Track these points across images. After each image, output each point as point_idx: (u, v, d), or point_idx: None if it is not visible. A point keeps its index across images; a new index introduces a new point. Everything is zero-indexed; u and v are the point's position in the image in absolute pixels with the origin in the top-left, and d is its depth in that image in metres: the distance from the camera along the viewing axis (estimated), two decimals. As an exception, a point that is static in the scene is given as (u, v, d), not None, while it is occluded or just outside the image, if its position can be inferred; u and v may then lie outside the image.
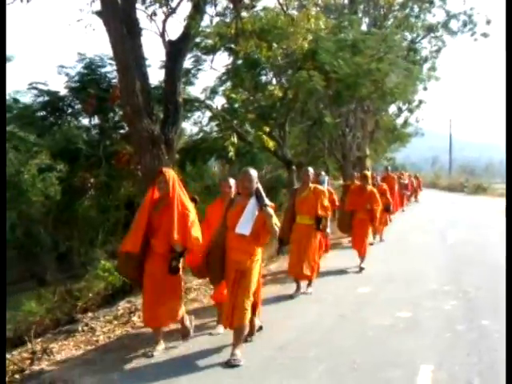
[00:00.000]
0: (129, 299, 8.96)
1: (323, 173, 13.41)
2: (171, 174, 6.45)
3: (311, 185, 9.27)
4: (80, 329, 7.64)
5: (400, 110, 35.65)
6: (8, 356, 6.29)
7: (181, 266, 6.27)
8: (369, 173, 12.73)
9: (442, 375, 5.54)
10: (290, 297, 9.13)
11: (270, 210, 6.00)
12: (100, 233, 16.54)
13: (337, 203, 12.80)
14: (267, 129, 15.08)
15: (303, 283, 9.48)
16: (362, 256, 11.57)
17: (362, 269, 11.33)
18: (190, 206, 6.45)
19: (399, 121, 36.63)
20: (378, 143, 34.46)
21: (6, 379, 5.74)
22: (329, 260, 11.91)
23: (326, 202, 9.24)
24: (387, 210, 15.43)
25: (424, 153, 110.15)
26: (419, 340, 6.70)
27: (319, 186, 9.53)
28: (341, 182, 29.94)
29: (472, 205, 31.11)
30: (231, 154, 12.03)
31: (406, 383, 5.36)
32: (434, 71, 33.72)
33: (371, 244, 13.90)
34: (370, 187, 11.86)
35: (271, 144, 14.57)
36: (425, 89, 33.28)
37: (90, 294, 10.37)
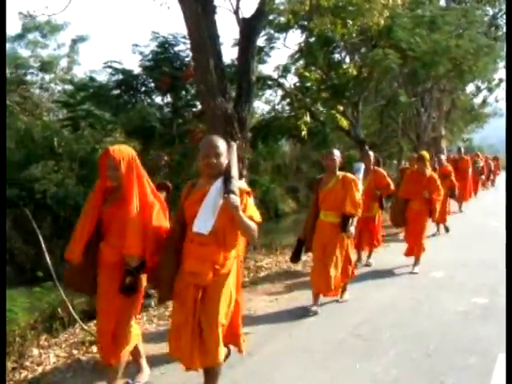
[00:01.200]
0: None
1: (371, 154, 10.58)
2: (125, 153, 4.58)
3: (340, 173, 7.23)
4: (153, 303, 7.82)
5: (478, 89, 34.50)
6: (85, 327, 6.51)
7: (143, 282, 4.68)
8: (427, 153, 10.15)
9: (520, 365, 5.37)
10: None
11: (235, 199, 4.10)
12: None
13: (392, 187, 10.28)
14: (341, 108, 14.90)
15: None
16: (416, 257, 9.71)
17: (414, 273, 9.49)
18: (156, 198, 4.79)
19: (477, 100, 35.51)
20: (454, 124, 33.56)
21: (84, 349, 5.96)
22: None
23: (358, 196, 7.17)
24: (451, 195, 14.31)
25: (503, 134, 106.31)
26: (497, 327, 6.50)
27: (349, 174, 7.30)
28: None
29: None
30: (304, 133, 11.98)
31: (482, 372, 5.22)
32: (516, 48, 32.36)
33: (433, 235, 13.25)
34: (429, 171, 9.76)
35: (345, 123, 14.41)
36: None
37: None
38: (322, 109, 18.99)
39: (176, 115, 19.13)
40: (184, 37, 17.72)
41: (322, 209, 7.30)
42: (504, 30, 30.68)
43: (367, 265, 10.19)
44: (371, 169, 9.87)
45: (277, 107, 21.27)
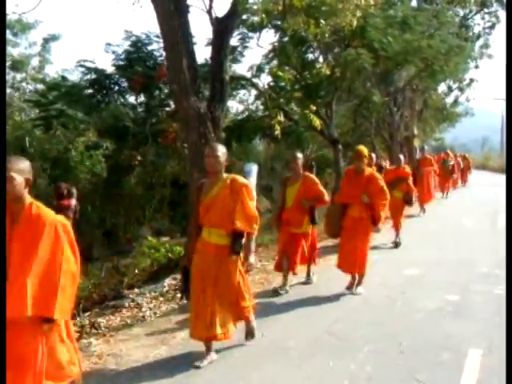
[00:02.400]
0: (174, 276, 9.07)
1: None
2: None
3: (226, 175, 5.57)
4: (126, 304, 7.80)
5: (450, 88, 34.87)
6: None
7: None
8: (365, 148, 8.29)
9: (491, 360, 5.48)
10: None
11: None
12: (146, 210, 16.78)
13: (326, 198, 8.47)
14: (314, 107, 14.96)
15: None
16: (359, 274, 8.14)
17: (356, 294, 8.07)
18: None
19: (449, 100, 35.86)
20: (426, 123, 33.89)
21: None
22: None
23: (253, 207, 5.55)
24: (408, 201, 12.54)
25: (474, 133, 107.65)
26: (468, 324, 6.63)
27: (239, 178, 5.66)
28: (387, 163, 29.59)
29: (524, 187, 30.31)
30: (277, 132, 12.00)
31: (454, 367, 5.31)
32: (486, 48, 32.81)
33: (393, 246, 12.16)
34: (369, 170, 8.18)
35: (318, 123, 14.46)
36: (476, 67, 32.42)
37: (136, 271, 10.57)
38: (295, 108, 19.05)
39: (149, 115, 19.01)
40: (157, 36, 17.60)
41: (204, 225, 5.51)
42: (475, 30, 31.15)
43: (307, 282, 8.77)
44: (300, 174, 8.39)
45: (250, 107, 21.31)
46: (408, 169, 13.08)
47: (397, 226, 12.52)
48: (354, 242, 7.96)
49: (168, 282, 8.83)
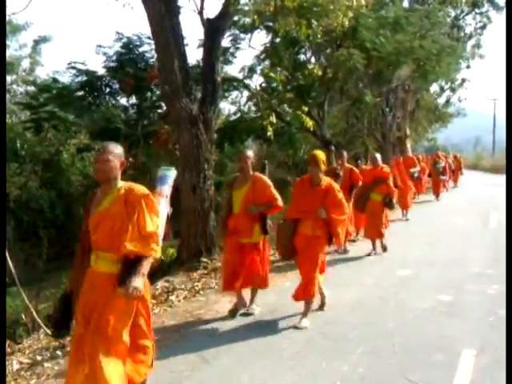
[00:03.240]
0: (166, 278, 9.05)
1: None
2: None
3: (123, 183, 4.28)
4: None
5: (442, 89, 35.04)
6: (50, 332, 6.43)
7: None
8: (321, 153, 7.01)
9: (484, 360, 5.49)
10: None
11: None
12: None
13: (279, 203, 7.07)
14: (306, 108, 14.99)
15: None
16: (306, 299, 6.84)
17: (300, 328, 6.61)
18: None
19: (441, 100, 36.02)
20: (418, 123, 34.03)
21: (48, 355, 5.88)
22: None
23: (156, 223, 4.23)
24: (388, 204, 11.11)
25: (466, 133, 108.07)
26: (461, 324, 6.64)
27: (138, 187, 4.26)
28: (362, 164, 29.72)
29: (516, 187, 30.42)
30: (269, 133, 12.02)
31: (447, 367, 5.31)
32: (478, 49, 32.96)
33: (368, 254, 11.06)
34: (326, 180, 6.86)
35: (310, 123, 14.50)
36: (468, 67, 32.57)
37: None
38: (287, 109, 19.09)
39: (141, 116, 18.98)
40: (149, 37, 17.58)
41: (92, 248, 4.30)
42: (466, 30, 31.28)
43: (248, 313, 7.19)
44: (249, 175, 7.07)
45: (243, 108, 21.32)
46: (387, 168, 11.70)
47: (378, 234, 11.12)
48: (303, 266, 6.84)
49: (161, 284, 8.80)
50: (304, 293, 6.77)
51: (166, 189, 5.52)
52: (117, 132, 17.67)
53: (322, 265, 7.04)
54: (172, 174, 5.86)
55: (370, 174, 11.41)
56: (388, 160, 25.59)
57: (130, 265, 4.01)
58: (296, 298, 6.85)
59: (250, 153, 7.22)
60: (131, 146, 17.52)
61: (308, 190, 6.82)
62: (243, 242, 6.99)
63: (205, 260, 9.77)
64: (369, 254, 10.96)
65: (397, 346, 5.88)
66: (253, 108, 20.31)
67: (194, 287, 8.55)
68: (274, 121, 12.34)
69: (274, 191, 7.02)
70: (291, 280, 8.48)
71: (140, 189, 4.22)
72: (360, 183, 11.31)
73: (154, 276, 9.86)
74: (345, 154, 11.86)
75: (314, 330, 6.47)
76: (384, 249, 11.21)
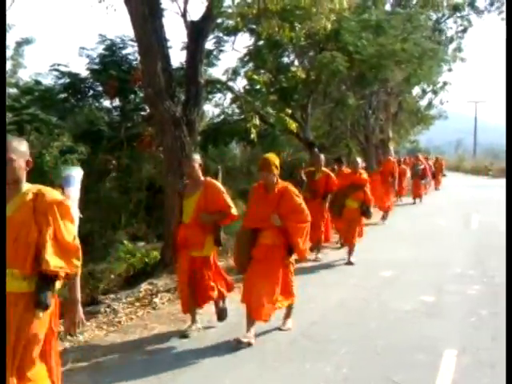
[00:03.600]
0: (150, 281, 9.01)
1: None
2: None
3: (30, 186, 3.75)
4: (102, 310, 7.72)
5: (424, 91, 35.28)
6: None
7: None
8: (274, 156, 6.28)
9: (465, 360, 5.53)
10: None
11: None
12: (121, 215, 16.67)
13: (233, 212, 6.43)
14: (289, 111, 15.02)
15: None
16: (250, 323, 6.08)
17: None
18: None
19: (423, 103, 36.27)
20: (401, 126, 34.21)
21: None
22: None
23: (72, 234, 3.63)
24: (365, 212, 10.63)
25: (448, 136, 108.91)
26: (443, 324, 6.69)
27: (49, 191, 3.68)
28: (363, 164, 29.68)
29: (496, 188, 30.74)
30: (253, 136, 12.00)
31: (429, 368, 5.34)
32: (459, 52, 33.26)
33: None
34: (282, 183, 6.18)
35: (293, 126, 14.52)
36: (450, 70, 32.81)
37: (112, 276, 10.49)
38: (271, 111, 19.10)
39: (125, 119, 18.91)
40: (132, 40, 17.52)
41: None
42: (447, 34, 31.53)
43: (184, 336, 6.35)
44: (200, 181, 6.43)
45: (226, 110, 21.31)
46: (366, 175, 11.09)
47: (350, 243, 10.62)
48: (260, 278, 5.99)
49: (144, 286, 8.77)
50: (256, 312, 5.92)
51: (73, 191, 5.00)
52: (100, 134, 17.61)
53: (286, 285, 6.23)
54: (78, 173, 5.32)
55: (347, 179, 10.92)
56: (371, 161, 25.75)
57: (44, 283, 3.47)
58: (249, 314, 6.00)
59: (197, 156, 6.59)
60: (114, 148, 17.46)
61: (263, 196, 6.17)
62: (193, 256, 6.30)
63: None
64: (349, 262, 10.41)
65: (380, 346, 5.90)
66: (236, 110, 20.32)
67: (176, 289, 8.51)
68: (258, 123, 12.32)
69: (228, 198, 6.42)
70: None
71: (52, 194, 3.61)
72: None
73: (137, 278, 9.86)
74: (322, 157, 11.49)
75: (297, 331, 6.48)
76: (349, 263, 10.41)
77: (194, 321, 6.54)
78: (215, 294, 6.43)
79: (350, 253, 10.54)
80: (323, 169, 11.16)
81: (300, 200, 6.16)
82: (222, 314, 6.72)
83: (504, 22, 32.24)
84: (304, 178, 10.94)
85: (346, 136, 26.72)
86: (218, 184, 6.58)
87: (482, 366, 5.34)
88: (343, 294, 8.24)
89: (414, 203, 22.02)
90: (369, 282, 8.94)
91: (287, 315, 6.62)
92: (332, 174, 11.22)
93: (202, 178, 6.46)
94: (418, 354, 5.66)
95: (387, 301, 7.76)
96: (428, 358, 5.56)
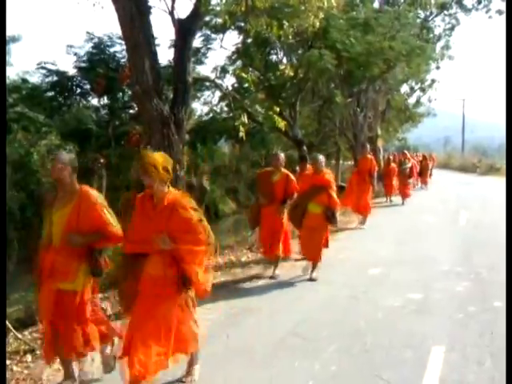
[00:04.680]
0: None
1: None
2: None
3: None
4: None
5: (412, 89, 35.42)
6: (19, 336, 6.33)
7: None
8: (161, 156, 4.70)
9: (453, 356, 5.55)
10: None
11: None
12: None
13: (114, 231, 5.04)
14: (278, 109, 15.00)
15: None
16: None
17: None
18: None
19: (411, 100, 36.40)
20: (389, 123, 34.30)
21: (18, 358, 5.78)
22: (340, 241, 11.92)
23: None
24: (330, 218, 8.96)
25: (436, 133, 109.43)
26: (431, 321, 6.71)
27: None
28: (351, 162, 29.70)
29: (484, 185, 30.93)
30: (241, 134, 11.98)
31: (417, 364, 5.36)
32: (447, 50, 33.37)
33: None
34: (173, 192, 4.70)
35: (282, 124, 14.48)
36: (437, 68, 32.95)
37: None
38: (259, 109, 19.11)
39: (113, 117, 18.89)
40: (120, 37, 17.49)
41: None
42: (435, 32, 31.63)
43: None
44: (75, 189, 4.88)
45: (215, 108, 21.30)
46: (330, 175, 9.41)
47: (314, 256, 9.14)
48: (144, 322, 4.50)
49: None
50: (131, 368, 4.34)
51: None
52: (88, 133, 17.57)
53: (182, 333, 4.71)
54: None
55: (308, 180, 9.27)
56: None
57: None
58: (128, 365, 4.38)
59: (64, 156, 4.86)
60: (103, 146, 17.42)
61: (149, 210, 4.65)
62: (61, 289, 4.79)
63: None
64: (311, 279, 8.96)
65: (368, 344, 5.92)
66: (225, 108, 20.31)
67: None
68: (246, 121, 12.29)
69: (108, 213, 4.86)
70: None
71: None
72: (295, 195, 9.22)
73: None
74: (281, 155, 9.57)
75: (286, 329, 6.47)
76: (314, 266, 9.15)
77: (68, 376, 4.93)
78: (80, 344, 4.84)
79: (313, 267, 9.09)
80: (282, 170, 9.39)
81: (197, 215, 4.61)
82: (108, 365, 5.20)
83: (491, 21, 32.43)
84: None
85: (334, 134, 26.75)
86: (96, 193, 4.93)
87: (470, 363, 5.36)
88: (331, 291, 8.25)
89: (403, 204, 20.91)
90: (357, 280, 8.95)
91: (191, 363, 5.13)
92: (292, 176, 9.49)
93: (77, 186, 4.87)
94: (406, 351, 5.68)
95: (376, 298, 7.78)
96: (416, 355, 5.58)
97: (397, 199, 21.33)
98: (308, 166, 11.11)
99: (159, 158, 4.65)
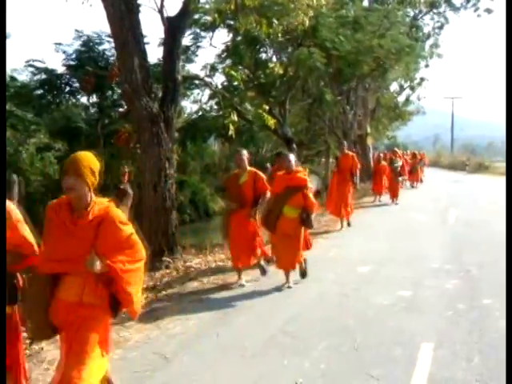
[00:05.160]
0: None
1: None
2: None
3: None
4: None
5: (401, 87, 35.60)
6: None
7: None
8: (86, 154, 3.96)
9: (442, 353, 5.57)
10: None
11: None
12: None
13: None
14: (267, 107, 15.02)
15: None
16: None
17: None
18: None
19: (401, 99, 36.57)
20: (379, 121, 34.44)
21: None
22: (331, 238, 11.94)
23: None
24: (305, 221, 8.15)
25: (426, 131, 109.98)
26: (420, 319, 6.73)
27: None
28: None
29: (473, 183, 31.10)
30: (231, 132, 11.98)
31: (406, 361, 5.37)
32: (436, 48, 33.54)
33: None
34: (100, 204, 3.86)
35: (271, 122, 14.49)
36: (427, 66, 33.14)
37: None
38: (249, 108, 19.12)
39: (102, 115, 18.86)
40: (109, 35, 17.45)
41: None
42: (424, 31, 31.77)
43: None
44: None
45: (204, 106, 21.30)
46: (304, 173, 8.56)
47: (287, 265, 8.38)
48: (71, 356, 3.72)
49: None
50: None
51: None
52: (77, 131, 17.54)
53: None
54: None
55: (282, 181, 8.36)
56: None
57: None
58: None
59: None
60: (92, 144, 17.37)
61: (69, 222, 3.79)
62: None
63: (167, 259, 9.72)
64: (280, 288, 8.27)
65: (357, 341, 5.92)
66: (215, 106, 20.30)
67: (156, 287, 8.49)
68: (236, 119, 12.30)
69: (27, 230, 4.01)
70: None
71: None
72: (268, 194, 8.39)
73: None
74: (244, 153, 8.59)
75: (276, 327, 6.48)
76: (303, 274, 8.67)
77: None
78: None
79: (287, 277, 8.38)
80: (249, 168, 8.54)
81: (128, 229, 3.91)
82: None
83: (480, 19, 32.57)
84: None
85: (324, 132, 26.82)
86: (14, 209, 3.96)
87: (459, 360, 5.38)
88: (321, 289, 8.25)
89: (393, 202, 20.45)
90: (346, 278, 8.96)
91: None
92: (260, 173, 8.63)
93: None
94: (395, 349, 5.69)
95: (365, 296, 7.79)
96: (405, 352, 5.60)
97: (385, 198, 21.19)
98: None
99: (90, 157, 3.95)
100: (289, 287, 8.28)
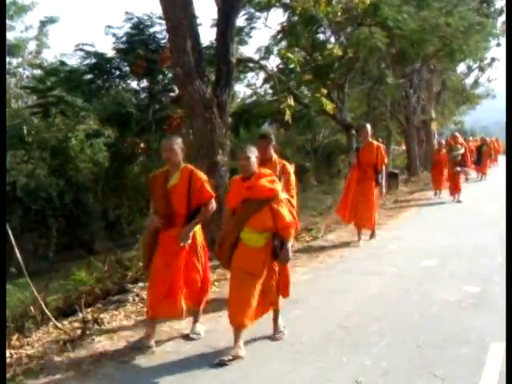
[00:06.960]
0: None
1: None
2: None
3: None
4: (131, 299, 7.80)
5: (470, 68, 34.69)
6: (59, 325, 6.50)
7: None
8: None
9: (514, 354, 5.46)
10: None
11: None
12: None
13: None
14: (325, 91, 14.92)
15: None
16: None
17: None
18: None
19: (469, 81, 35.68)
20: (444, 105, 33.78)
21: (57, 348, 5.93)
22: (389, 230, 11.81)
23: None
24: (277, 252, 5.55)
25: (496, 116, 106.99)
26: (489, 316, 6.60)
27: None
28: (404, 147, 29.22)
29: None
30: (287, 117, 11.95)
31: (474, 362, 5.28)
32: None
33: None
34: None
35: (329, 107, 14.40)
36: (498, 45, 32.12)
37: (141, 264, 10.56)
38: (306, 92, 19.02)
39: (153, 100, 19.04)
40: (160, 17, 17.59)
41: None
42: (496, 5, 30.81)
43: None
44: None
45: (259, 91, 21.30)
46: (290, 167, 6.79)
47: (239, 320, 5.53)
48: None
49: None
50: None
51: None
52: (128, 117, 17.75)
53: None
54: None
55: (239, 191, 5.74)
56: (413, 144, 25.38)
57: None
58: None
59: None
60: (143, 131, 17.60)
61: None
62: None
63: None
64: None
65: (421, 339, 5.86)
66: (269, 91, 20.28)
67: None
68: (292, 104, 12.26)
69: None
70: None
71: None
72: (210, 205, 6.15)
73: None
74: (177, 140, 6.48)
75: (334, 322, 6.47)
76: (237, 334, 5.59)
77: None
78: None
79: (237, 334, 5.55)
80: (182, 165, 6.35)
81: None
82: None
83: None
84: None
85: (385, 117, 26.50)
86: None
87: (532, 361, 5.26)
88: (382, 283, 8.20)
89: (455, 199, 18.27)
90: (409, 272, 8.86)
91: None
92: (199, 173, 6.26)
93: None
94: (462, 348, 5.61)
95: (429, 291, 7.69)
96: (473, 352, 5.50)
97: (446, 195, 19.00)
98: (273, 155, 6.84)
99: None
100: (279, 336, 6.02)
